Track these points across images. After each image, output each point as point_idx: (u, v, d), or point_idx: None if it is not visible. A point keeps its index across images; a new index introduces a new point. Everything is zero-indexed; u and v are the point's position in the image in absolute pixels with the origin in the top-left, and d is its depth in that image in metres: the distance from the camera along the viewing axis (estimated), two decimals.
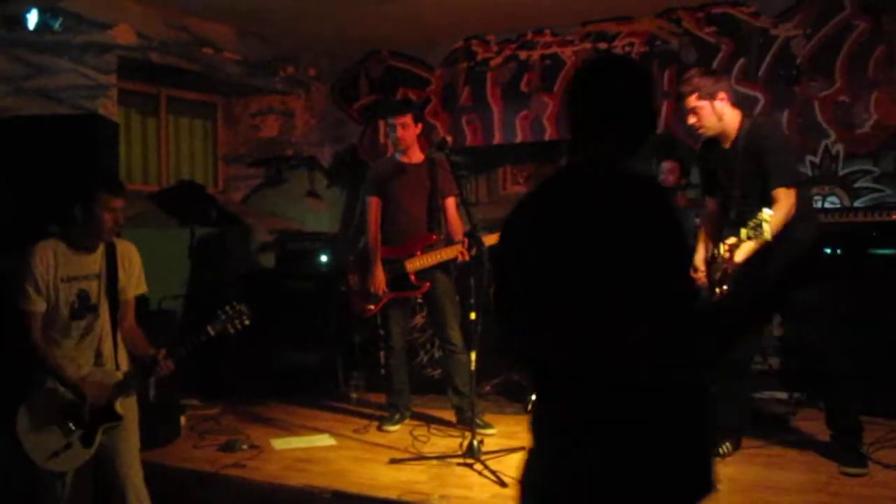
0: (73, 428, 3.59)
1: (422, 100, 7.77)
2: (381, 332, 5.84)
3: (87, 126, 5.19)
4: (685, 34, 6.72)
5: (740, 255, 4.02)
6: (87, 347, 3.71)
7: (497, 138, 7.48)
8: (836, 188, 6.22)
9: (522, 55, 7.37)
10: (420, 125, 5.35)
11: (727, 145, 4.33)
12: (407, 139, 5.27)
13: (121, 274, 3.78)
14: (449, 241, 5.33)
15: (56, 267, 3.61)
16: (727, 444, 4.48)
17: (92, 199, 3.60)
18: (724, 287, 4.28)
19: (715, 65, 6.55)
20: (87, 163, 4.90)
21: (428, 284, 5.27)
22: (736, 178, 4.30)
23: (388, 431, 5.32)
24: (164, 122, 7.30)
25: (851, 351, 4.93)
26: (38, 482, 3.69)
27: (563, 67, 7.19)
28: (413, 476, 4.34)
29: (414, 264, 5.26)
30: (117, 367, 3.78)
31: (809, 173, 6.23)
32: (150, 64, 6.48)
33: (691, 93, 4.26)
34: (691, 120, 4.32)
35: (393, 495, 4.08)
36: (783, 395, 5.56)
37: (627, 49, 6.93)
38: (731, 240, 4.00)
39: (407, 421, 5.42)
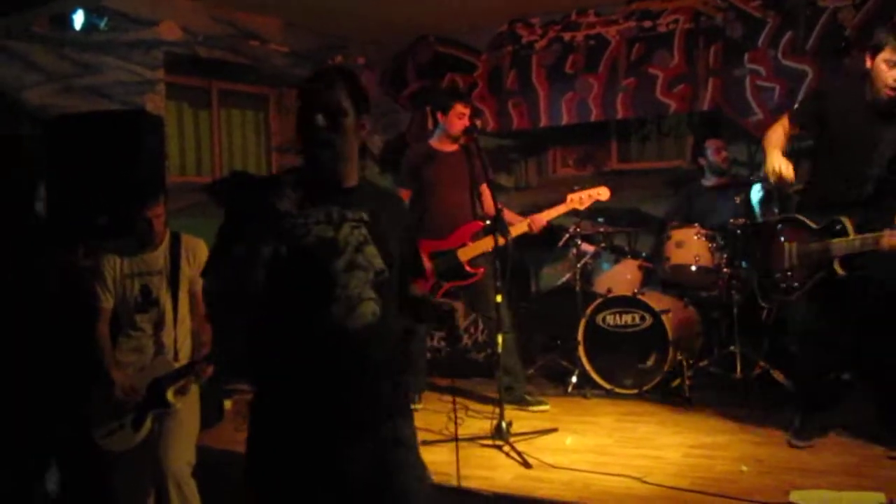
0: (125, 411, 3.82)
1: (469, 85, 7.78)
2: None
3: (131, 121, 5.36)
4: (730, 9, 6.55)
5: None
6: (153, 338, 3.95)
7: (543, 121, 7.43)
8: None
9: (566, 36, 7.30)
10: None
11: None
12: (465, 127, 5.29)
13: (184, 267, 3.97)
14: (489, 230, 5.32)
15: (121, 264, 3.88)
16: None
17: (129, 209, 3.85)
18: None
19: (761, 39, 6.39)
20: (132, 157, 5.07)
21: (482, 269, 5.28)
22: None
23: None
24: (216, 114, 7.46)
25: None
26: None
27: (608, 47, 7.10)
28: (441, 457, 4.37)
29: (467, 254, 5.28)
30: (176, 359, 3.96)
31: None
32: (198, 58, 6.63)
33: None
34: None
35: None
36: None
37: (672, 27, 6.80)
38: None
39: (447, 402, 5.46)
